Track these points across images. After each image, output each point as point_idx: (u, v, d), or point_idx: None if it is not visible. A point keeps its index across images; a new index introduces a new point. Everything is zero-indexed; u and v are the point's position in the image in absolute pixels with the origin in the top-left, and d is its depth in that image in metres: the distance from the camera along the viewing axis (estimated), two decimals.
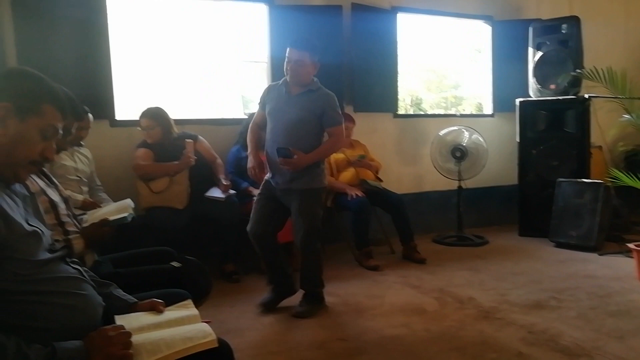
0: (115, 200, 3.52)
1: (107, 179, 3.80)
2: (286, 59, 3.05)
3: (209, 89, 5.02)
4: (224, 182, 3.80)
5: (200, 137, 3.99)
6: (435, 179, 5.14)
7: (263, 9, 4.56)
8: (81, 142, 3.58)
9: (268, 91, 3.25)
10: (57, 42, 3.74)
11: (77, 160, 3.50)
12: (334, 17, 4.65)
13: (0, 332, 1.09)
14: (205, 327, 1.36)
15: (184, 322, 1.43)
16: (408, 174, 5.25)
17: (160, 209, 3.60)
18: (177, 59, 4.78)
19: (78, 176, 3.46)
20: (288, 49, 3.04)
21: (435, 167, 4.95)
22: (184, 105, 4.75)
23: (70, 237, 1.92)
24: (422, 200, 5.29)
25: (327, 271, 3.93)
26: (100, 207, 2.31)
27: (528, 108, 5.04)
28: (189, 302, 1.57)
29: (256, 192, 3.95)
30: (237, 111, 4.79)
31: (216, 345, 1.29)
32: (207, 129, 4.25)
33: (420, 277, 3.82)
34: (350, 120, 4.46)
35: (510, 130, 5.33)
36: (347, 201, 4.17)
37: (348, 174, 4.35)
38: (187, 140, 3.69)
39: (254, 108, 4.47)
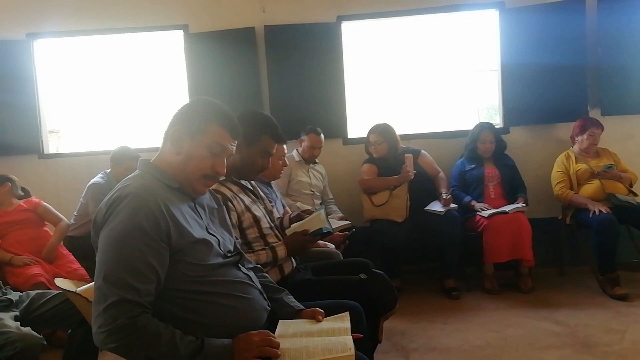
0: (345, 213, 3.87)
1: (339, 192, 4.18)
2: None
3: (440, 101, 5.01)
4: (445, 196, 3.75)
5: (423, 151, 4.04)
6: None
7: (493, 15, 4.37)
8: (316, 160, 4.03)
9: None
10: (301, 75, 4.25)
11: (312, 176, 3.96)
12: (576, 13, 4.14)
13: (163, 322, 1.30)
14: (347, 340, 1.43)
15: (334, 333, 1.51)
16: None
17: (381, 222, 3.76)
18: (406, 74, 4.92)
19: (312, 190, 3.91)
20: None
21: None
22: (413, 120, 4.85)
23: (273, 244, 2.18)
24: None
25: (562, 297, 3.57)
26: (304, 217, 2.54)
27: None
28: (346, 314, 1.64)
29: (479, 206, 3.83)
30: (469, 122, 4.66)
31: None
32: (433, 143, 4.28)
33: None
34: (597, 125, 3.91)
35: None
36: (588, 218, 3.65)
37: (591, 187, 3.81)
38: (407, 155, 3.78)
39: (484, 118, 4.33)
